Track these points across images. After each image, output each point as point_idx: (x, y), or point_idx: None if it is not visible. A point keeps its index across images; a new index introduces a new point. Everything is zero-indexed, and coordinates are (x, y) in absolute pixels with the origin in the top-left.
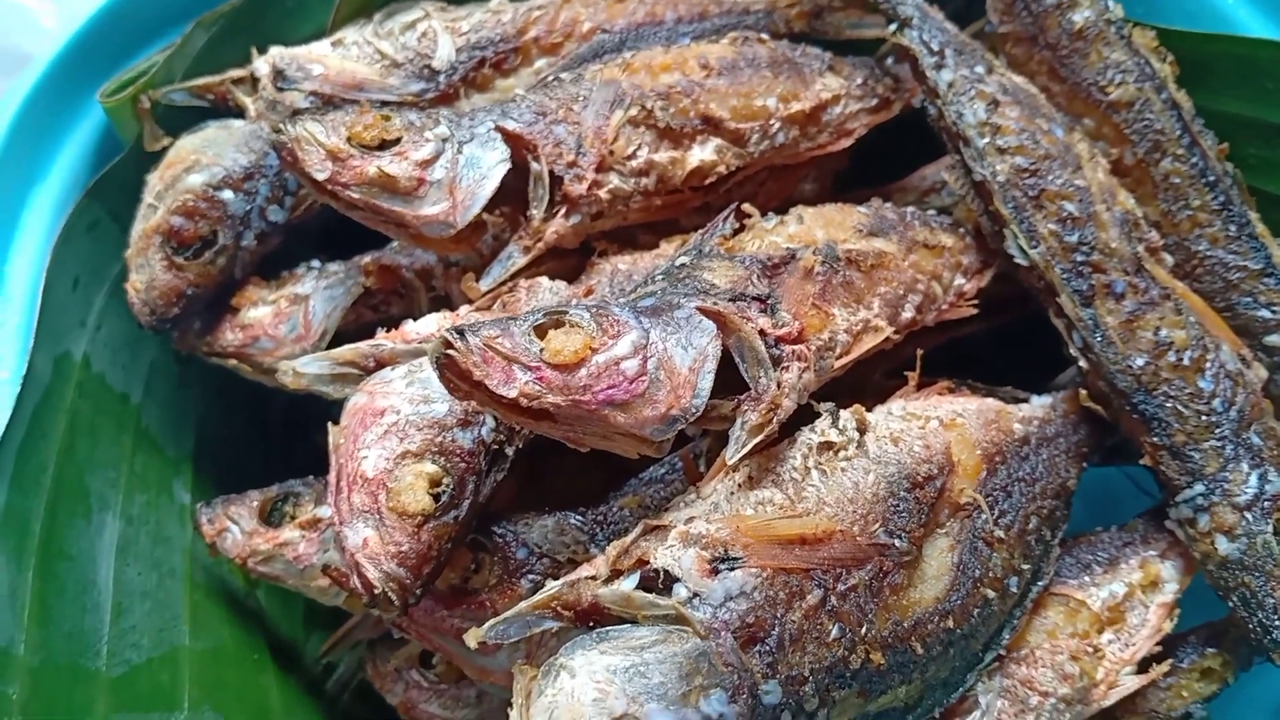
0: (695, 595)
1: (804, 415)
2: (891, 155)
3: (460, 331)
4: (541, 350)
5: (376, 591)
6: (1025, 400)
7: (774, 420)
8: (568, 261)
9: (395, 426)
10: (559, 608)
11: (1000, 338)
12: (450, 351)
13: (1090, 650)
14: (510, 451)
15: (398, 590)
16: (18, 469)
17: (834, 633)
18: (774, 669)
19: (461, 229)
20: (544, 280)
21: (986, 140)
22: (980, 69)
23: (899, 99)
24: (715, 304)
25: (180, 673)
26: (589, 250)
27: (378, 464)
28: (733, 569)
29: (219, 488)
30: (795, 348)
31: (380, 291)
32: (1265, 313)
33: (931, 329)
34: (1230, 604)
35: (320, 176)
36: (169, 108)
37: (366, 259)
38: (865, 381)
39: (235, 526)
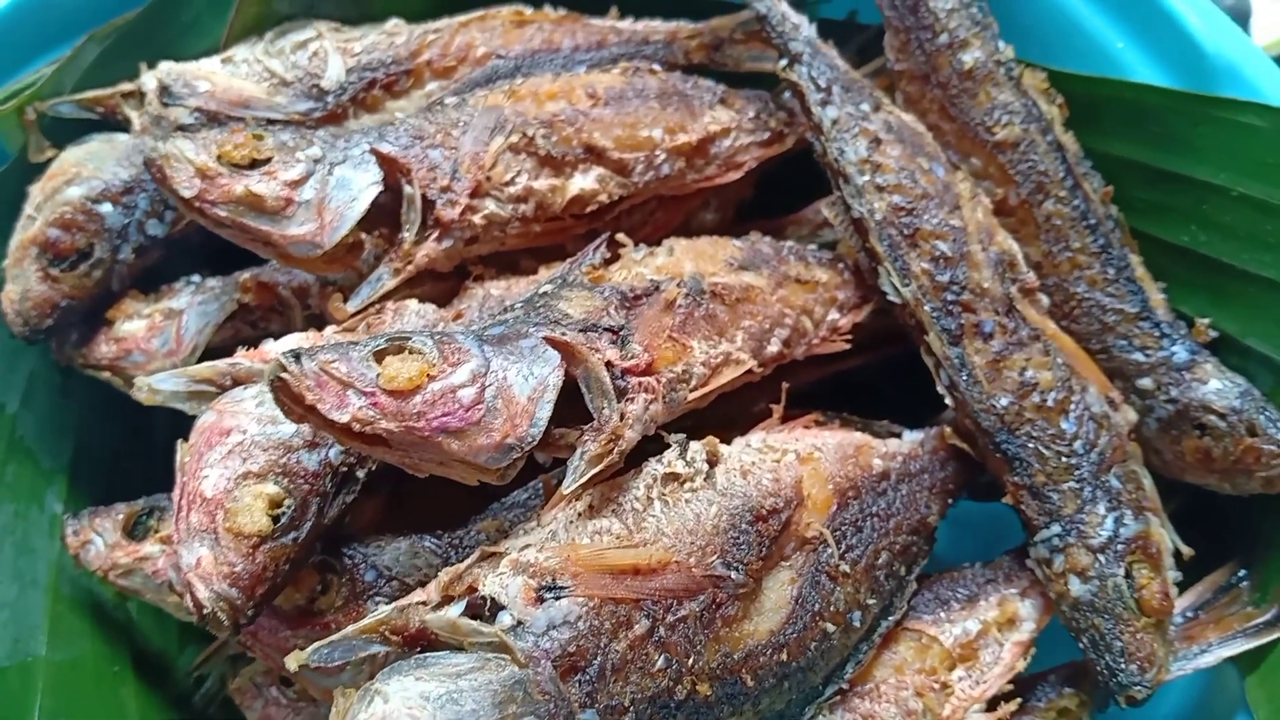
0: (519, 623)
1: (660, 447)
2: (799, 187)
3: (297, 355)
4: (378, 376)
5: (205, 611)
6: (897, 435)
7: (615, 451)
8: (445, 284)
9: (240, 446)
10: (387, 632)
11: (896, 370)
12: (284, 374)
13: (937, 686)
14: (362, 474)
15: (228, 610)
16: None
17: (659, 663)
18: (593, 698)
19: (334, 249)
20: (412, 303)
21: (866, 178)
22: (866, 106)
23: (792, 133)
24: (564, 334)
25: (33, 683)
26: (467, 274)
27: (218, 484)
28: (559, 598)
29: (96, 500)
30: (643, 379)
31: (259, 308)
32: (1139, 356)
33: (810, 363)
34: (1081, 645)
35: (187, 194)
36: (60, 120)
37: (245, 275)
38: (742, 415)
39: (99, 539)
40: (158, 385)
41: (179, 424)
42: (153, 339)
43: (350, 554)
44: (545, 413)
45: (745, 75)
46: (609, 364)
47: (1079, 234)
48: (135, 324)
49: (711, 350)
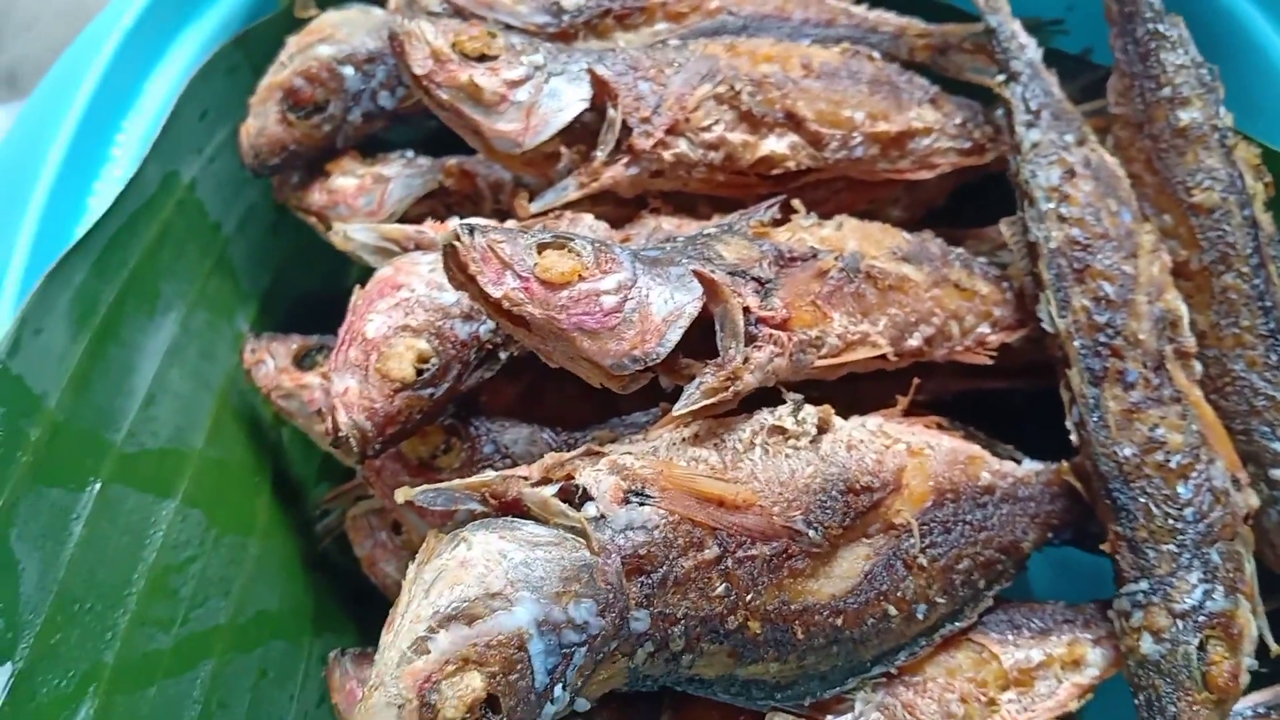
0: (602, 517)
1: (778, 402)
2: (993, 206)
3: (471, 228)
4: (535, 265)
5: (340, 434)
6: (1017, 461)
7: (731, 390)
8: (624, 210)
9: (406, 302)
10: (488, 494)
11: (1042, 406)
12: (457, 243)
13: (983, 699)
14: (504, 356)
15: (359, 438)
16: (103, 255)
17: (719, 590)
18: (650, 601)
19: (533, 152)
20: (587, 217)
21: (1051, 205)
22: (1070, 138)
23: (994, 149)
24: (713, 271)
25: (184, 469)
26: (646, 204)
27: (380, 329)
28: (642, 504)
29: (278, 329)
30: (775, 332)
31: (456, 194)
32: (1278, 446)
33: (956, 375)
34: (1136, 703)
35: (418, 71)
36: None
37: (452, 161)
38: (872, 401)
39: (271, 360)
40: (352, 233)
41: (366, 280)
42: (360, 197)
43: (477, 425)
44: (675, 336)
45: (964, 84)
46: (746, 309)
47: (1251, 313)
48: (348, 180)
49: (851, 326)
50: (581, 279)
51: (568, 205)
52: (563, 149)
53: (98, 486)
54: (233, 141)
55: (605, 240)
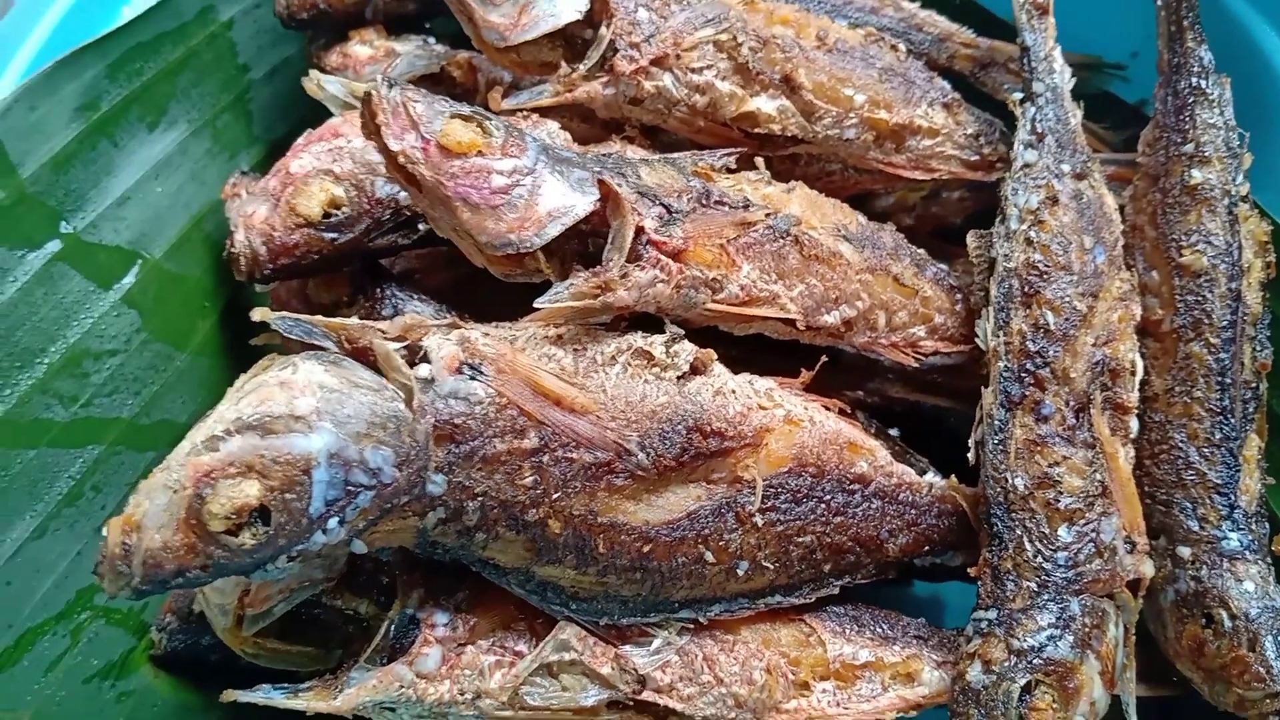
0: (431, 380)
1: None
2: None
3: (392, 83)
4: (440, 130)
5: (233, 251)
6: (924, 469)
7: (600, 300)
8: (596, 130)
9: (338, 149)
10: (344, 337)
11: None
12: (374, 93)
13: (791, 677)
14: (423, 228)
15: (249, 258)
16: (119, 60)
17: (528, 480)
18: (450, 469)
19: (526, 55)
20: (552, 124)
21: (1023, 226)
22: (1067, 167)
23: (1003, 171)
24: (619, 185)
25: (133, 271)
26: (621, 130)
27: (303, 166)
28: (473, 378)
29: None
30: (664, 259)
31: (460, 85)
32: (1193, 524)
33: (899, 383)
34: None
35: None
36: None
37: (464, 54)
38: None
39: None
40: (325, 83)
41: None
42: (368, 66)
43: (387, 289)
44: (554, 230)
45: (1001, 105)
46: (640, 229)
47: (1208, 386)
48: (363, 49)
49: (761, 281)
50: (480, 154)
51: (540, 110)
52: (563, 63)
53: (43, 260)
54: None
55: (522, 129)
